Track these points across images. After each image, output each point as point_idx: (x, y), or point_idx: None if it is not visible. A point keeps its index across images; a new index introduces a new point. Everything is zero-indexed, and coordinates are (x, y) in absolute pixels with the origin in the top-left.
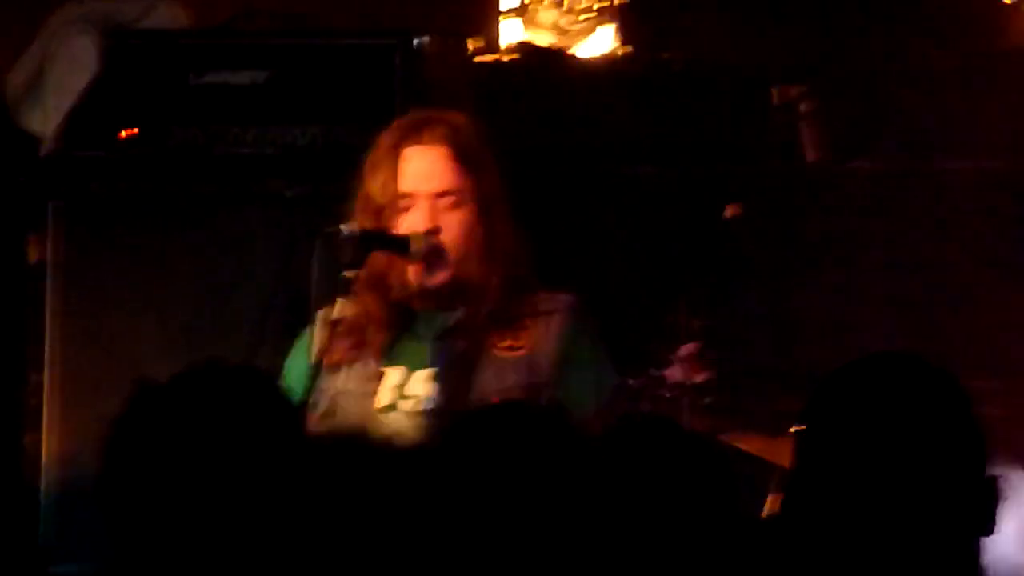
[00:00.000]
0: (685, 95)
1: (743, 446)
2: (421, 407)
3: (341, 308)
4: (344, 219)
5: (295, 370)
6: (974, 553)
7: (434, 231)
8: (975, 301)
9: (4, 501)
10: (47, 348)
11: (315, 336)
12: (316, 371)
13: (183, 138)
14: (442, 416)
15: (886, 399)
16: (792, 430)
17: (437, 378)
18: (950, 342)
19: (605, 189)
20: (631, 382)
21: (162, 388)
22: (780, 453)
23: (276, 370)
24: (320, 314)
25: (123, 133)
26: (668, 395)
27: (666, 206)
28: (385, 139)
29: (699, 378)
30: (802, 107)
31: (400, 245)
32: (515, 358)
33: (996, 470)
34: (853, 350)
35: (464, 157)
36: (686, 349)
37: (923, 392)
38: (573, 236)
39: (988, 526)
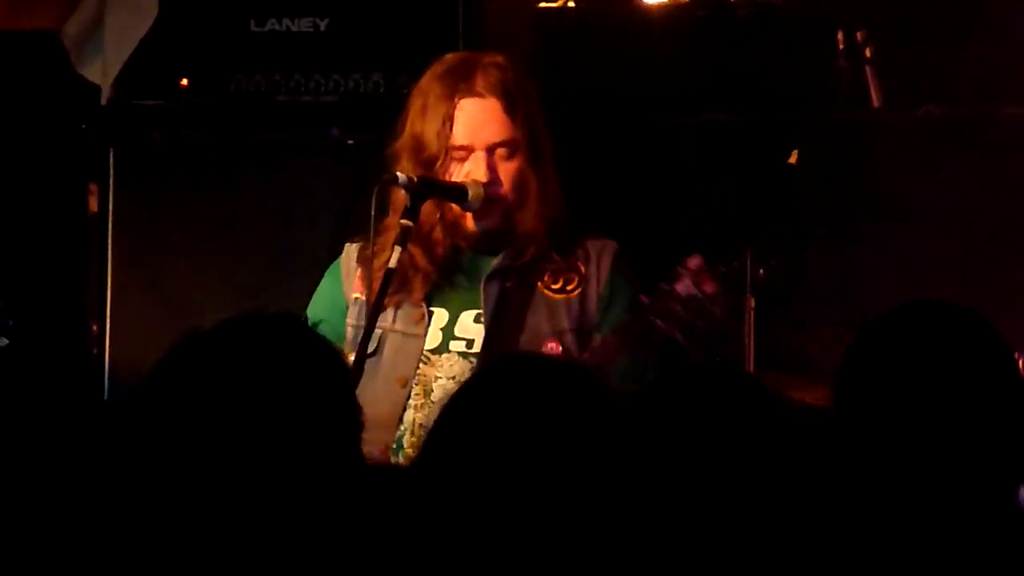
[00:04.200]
0: (750, 41)
1: (808, 397)
2: (471, 348)
3: (397, 257)
4: (389, 164)
5: (325, 301)
6: (1013, 500)
7: (491, 183)
8: None
9: None
10: (108, 297)
11: (349, 270)
12: (370, 312)
13: (244, 86)
14: (492, 357)
15: (925, 345)
16: None
17: (487, 319)
18: (1018, 293)
19: (668, 136)
20: (643, 299)
21: (206, 336)
22: None
23: None
24: (351, 247)
25: (183, 81)
26: (680, 309)
27: (729, 154)
28: (434, 86)
29: (708, 289)
30: (868, 52)
31: (458, 194)
32: (566, 300)
33: None
34: (916, 297)
35: (517, 106)
36: (694, 261)
37: (961, 339)
38: (635, 184)
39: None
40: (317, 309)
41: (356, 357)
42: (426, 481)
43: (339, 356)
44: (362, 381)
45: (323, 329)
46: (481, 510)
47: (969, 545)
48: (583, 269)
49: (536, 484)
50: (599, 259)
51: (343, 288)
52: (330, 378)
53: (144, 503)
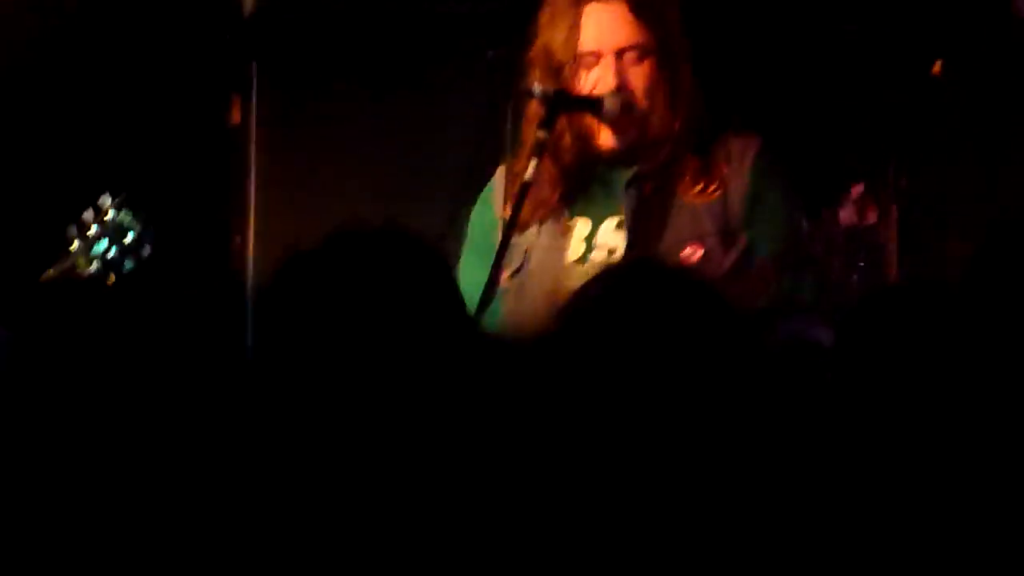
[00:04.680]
0: None
1: None
2: (613, 256)
3: (533, 169)
4: (522, 75)
5: (480, 224)
6: None
7: (622, 88)
8: None
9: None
10: (251, 210)
11: (502, 191)
12: (506, 226)
13: None
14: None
15: None
16: None
17: (627, 226)
18: None
19: (811, 45)
20: (804, 225)
21: (310, 254)
22: None
23: None
24: (503, 168)
25: None
26: (840, 238)
27: (872, 62)
28: None
29: (871, 219)
30: None
31: (593, 105)
32: (708, 203)
33: None
34: None
35: (646, 8)
36: (857, 189)
37: None
38: (777, 95)
39: None
40: (473, 232)
41: (491, 274)
42: (539, 383)
43: (446, 268)
44: (511, 298)
45: (476, 249)
46: (587, 410)
47: None
48: (724, 169)
49: (640, 392)
50: (741, 157)
51: (495, 208)
52: (434, 293)
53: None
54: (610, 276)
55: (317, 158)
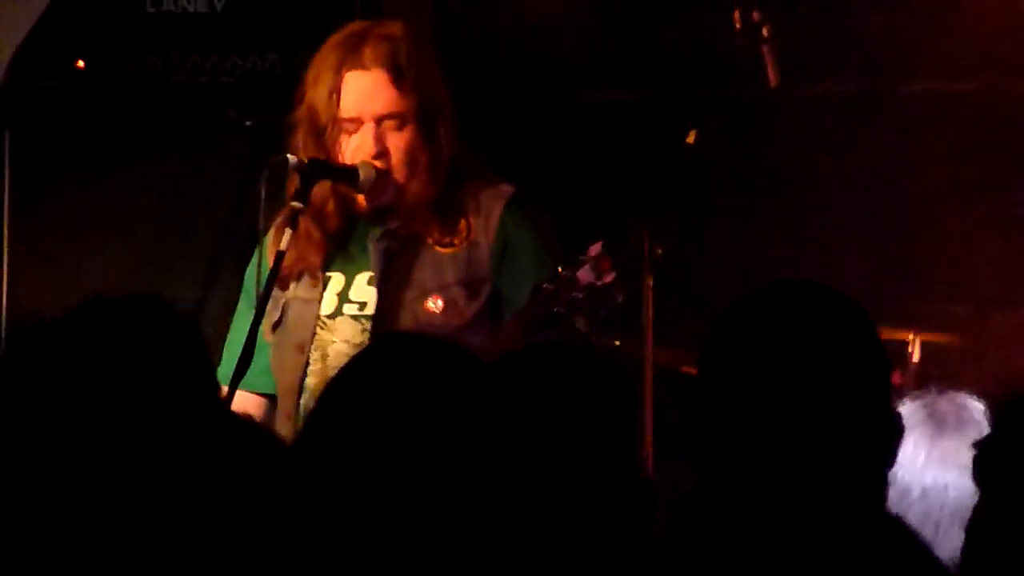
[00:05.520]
0: (647, 19)
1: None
2: (363, 311)
3: (288, 239)
4: (287, 135)
5: (252, 277)
6: (879, 484)
7: (380, 155)
8: (938, 225)
9: None
10: (3, 280)
11: (266, 252)
12: (267, 285)
13: (140, 67)
14: (384, 319)
15: (786, 327)
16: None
17: (377, 279)
18: (912, 266)
19: (566, 113)
20: (545, 285)
21: (49, 327)
22: None
23: (235, 295)
24: (271, 231)
25: (78, 63)
26: (581, 296)
27: (627, 131)
28: (327, 57)
29: (607, 279)
30: (764, 31)
31: (347, 175)
32: (453, 253)
33: (957, 394)
34: (815, 274)
35: (406, 77)
36: (594, 249)
37: (824, 320)
38: (533, 159)
39: (889, 458)
40: (246, 283)
41: (249, 333)
42: (304, 460)
43: (194, 333)
44: (273, 352)
45: (249, 301)
46: (355, 489)
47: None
48: (472, 221)
49: (405, 461)
50: (490, 209)
51: (267, 261)
52: (182, 359)
53: None
54: (359, 361)
55: (74, 228)
